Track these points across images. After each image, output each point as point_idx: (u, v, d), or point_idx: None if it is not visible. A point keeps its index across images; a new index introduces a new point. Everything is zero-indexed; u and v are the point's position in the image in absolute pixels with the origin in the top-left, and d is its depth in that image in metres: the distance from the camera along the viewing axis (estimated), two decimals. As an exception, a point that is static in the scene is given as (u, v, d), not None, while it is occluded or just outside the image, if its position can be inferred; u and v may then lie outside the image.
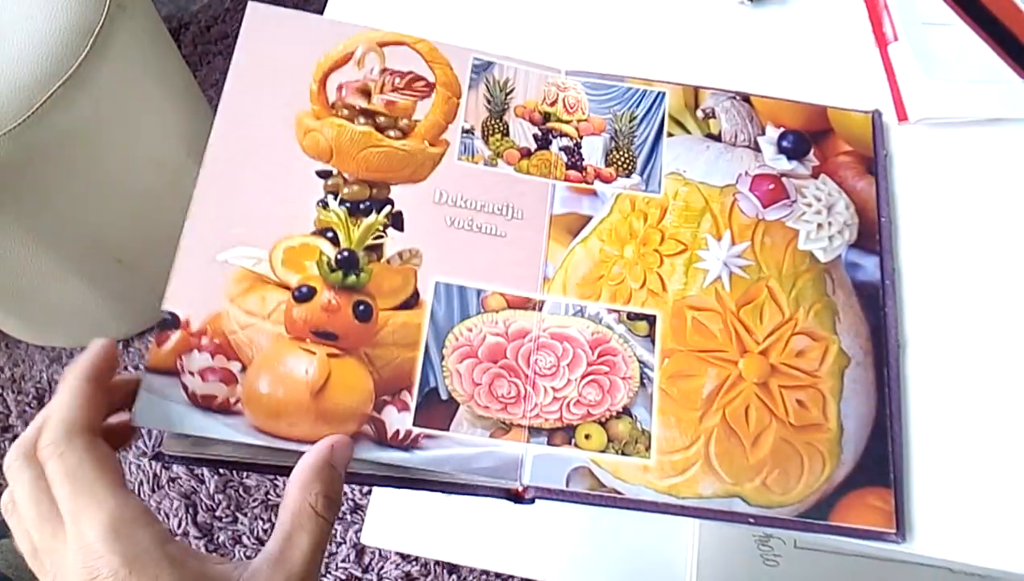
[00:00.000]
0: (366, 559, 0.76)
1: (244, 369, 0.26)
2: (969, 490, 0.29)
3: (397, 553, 0.74)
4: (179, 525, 0.84)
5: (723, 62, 0.38)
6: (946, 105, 0.37)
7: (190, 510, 0.85)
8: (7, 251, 0.68)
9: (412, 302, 0.28)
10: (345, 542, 0.77)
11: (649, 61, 0.37)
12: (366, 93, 0.32)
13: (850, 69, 0.38)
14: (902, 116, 0.37)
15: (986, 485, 0.29)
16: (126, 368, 0.93)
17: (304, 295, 0.28)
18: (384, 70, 0.33)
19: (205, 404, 0.26)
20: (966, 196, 0.35)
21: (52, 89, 0.60)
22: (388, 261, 0.29)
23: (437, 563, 0.74)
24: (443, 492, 0.27)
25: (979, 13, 0.38)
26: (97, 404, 0.23)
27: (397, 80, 0.32)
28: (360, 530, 0.75)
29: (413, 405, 0.27)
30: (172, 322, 0.27)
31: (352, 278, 0.28)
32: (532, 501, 0.26)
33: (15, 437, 0.91)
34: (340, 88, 0.32)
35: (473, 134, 0.32)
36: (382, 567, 0.75)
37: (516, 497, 0.27)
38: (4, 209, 0.64)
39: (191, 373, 0.26)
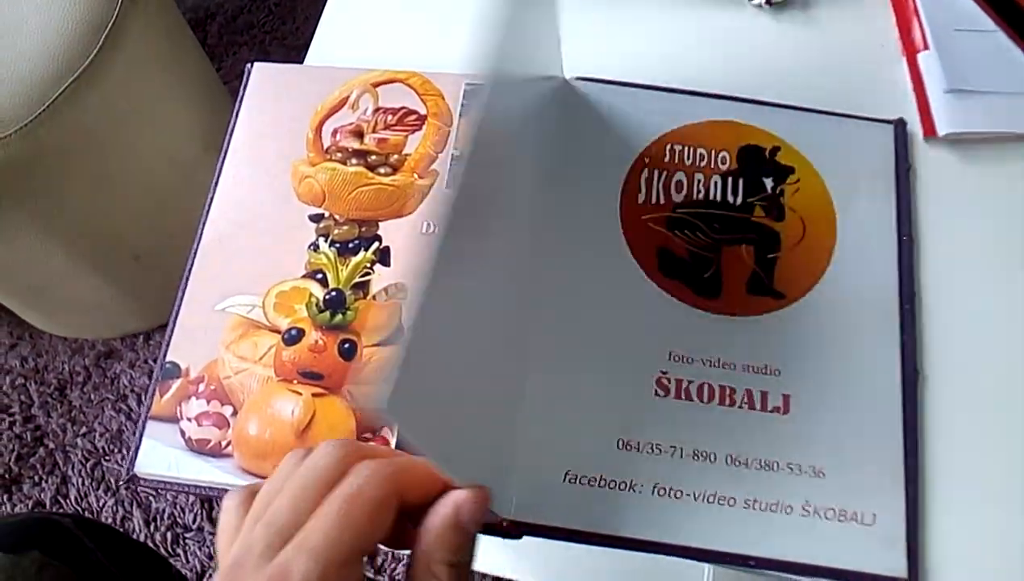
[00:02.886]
0: (379, 560, 0.81)
1: (235, 413, 0.30)
2: (997, 541, 0.29)
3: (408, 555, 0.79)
4: (194, 520, 0.91)
5: (740, 69, 0.38)
6: (978, 119, 0.37)
7: (206, 505, 0.92)
8: (23, 247, 0.74)
9: (397, 337, 0.31)
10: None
11: (663, 67, 0.37)
12: (359, 134, 0.35)
13: (875, 79, 0.38)
14: (929, 130, 0.37)
15: (1013, 529, 0.29)
16: (145, 362, 1.00)
17: (293, 338, 0.31)
18: (377, 109, 0.36)
19: (199, 448, 0.30)
20: (998, 218, 0.35)
21: (64, 86, 0.64)
22: (375, 297, 0.32)
23: (451, 565, 0.79)
24: None
25: (1018, 19, 0.38)
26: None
27: (389, 117, 0.35)
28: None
29: (393, 442, 0.30)
30: (173, 371, 0.31)
31: (339, 317, 0.32)
32: (519, 536, 0.28)
33: (37, 427, 0.99)
34: (335, 132, 0.35)
35: (464, 160, 0.34)
36: (394, 569, 0.81)
37: (502, 532, 0.28)
38: (18, 206, 0.70)
39: (188, 419, 0.30)
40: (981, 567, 0.29)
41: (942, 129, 0.36)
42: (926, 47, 0.38)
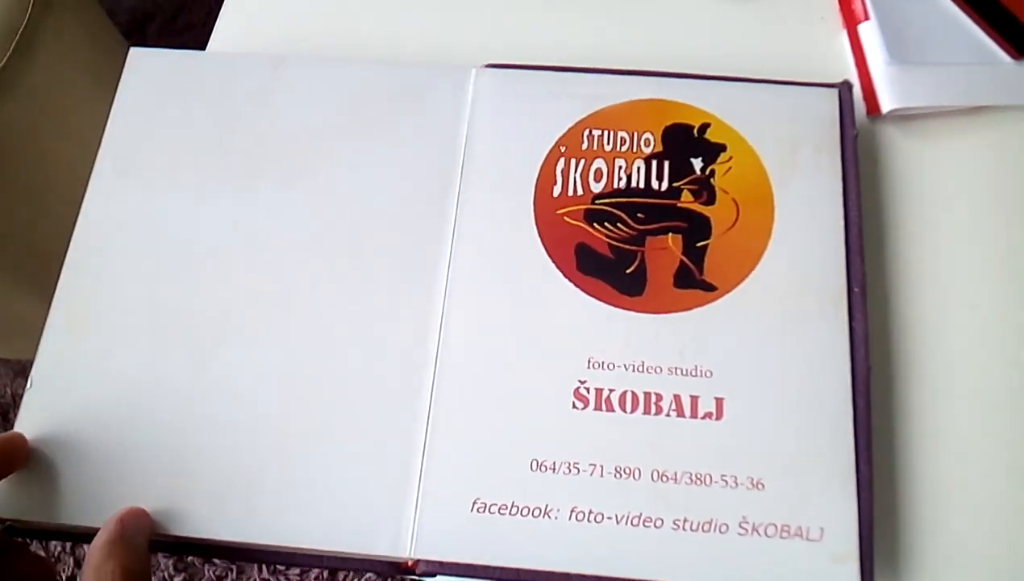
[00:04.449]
0: (340, 575, 0.78)
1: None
2: (956, 548, 0.27)
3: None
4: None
5: (670, 49, 0.36)
6: (923, 93, 0.34)
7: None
8: (-57, 267, 0.69)
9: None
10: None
11: (585, 52, 0.35)
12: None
13: (815, 55, 0.35)
14: (873, 108, 0.34)
15: (977, 541, 0.27)
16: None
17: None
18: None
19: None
20: (949, 195, 0.33)
21: (-28, 97, 0.60)
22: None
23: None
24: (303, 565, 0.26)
25: (961, -17, 0.35)
26: None
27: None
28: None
29: None
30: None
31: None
32: (431, 575, 0.25)
33: (-14, 453, 0.94)
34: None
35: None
36: (357, 584, 0.77)
37: (408, 571, 0.26)
38: (-68, 223, 0.65)
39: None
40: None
41: (885, 105, 0.34)
42: (867, 17, 0.35)
